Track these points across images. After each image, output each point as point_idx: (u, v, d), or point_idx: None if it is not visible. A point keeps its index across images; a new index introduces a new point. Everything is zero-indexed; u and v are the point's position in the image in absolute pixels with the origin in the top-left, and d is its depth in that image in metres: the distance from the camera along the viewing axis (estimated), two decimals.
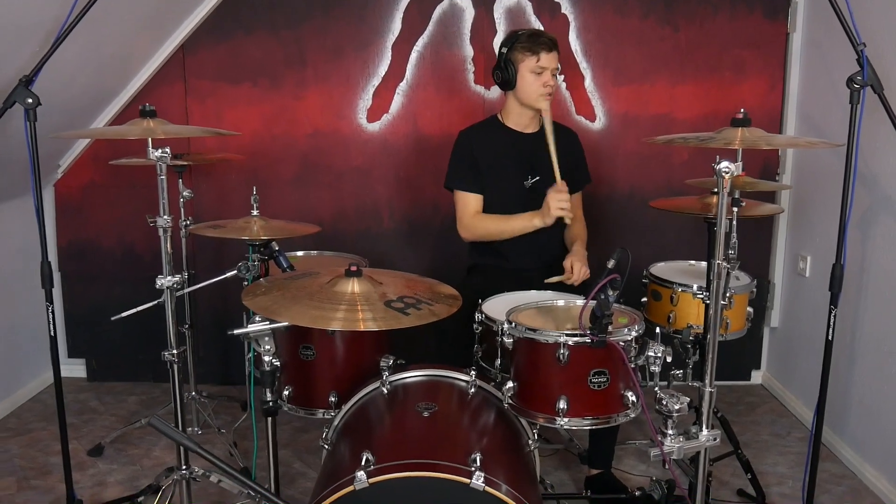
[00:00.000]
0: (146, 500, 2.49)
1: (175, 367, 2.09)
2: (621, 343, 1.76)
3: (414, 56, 3.36)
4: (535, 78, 2.54)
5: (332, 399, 2.18)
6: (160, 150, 1.95)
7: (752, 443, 3.01)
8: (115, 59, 3.05)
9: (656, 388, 1.81)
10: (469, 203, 2.66)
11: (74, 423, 3.16)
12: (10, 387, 3.35)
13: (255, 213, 2.31)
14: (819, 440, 2.29)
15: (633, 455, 2.91)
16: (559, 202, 2.42)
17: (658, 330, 1.85)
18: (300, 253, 2.88)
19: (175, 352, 2.09)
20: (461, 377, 2.04)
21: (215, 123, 3.38)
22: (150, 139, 1.94)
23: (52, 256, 3.57)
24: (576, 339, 1.74)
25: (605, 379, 1.77)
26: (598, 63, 3.35)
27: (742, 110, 1.72)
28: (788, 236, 3.45)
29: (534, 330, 1.82)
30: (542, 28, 3.29)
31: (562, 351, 1.74)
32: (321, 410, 2.20)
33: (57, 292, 3.62)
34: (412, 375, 2.06)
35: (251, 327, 1.83)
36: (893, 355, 2.58)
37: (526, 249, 2.65)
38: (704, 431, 1.82)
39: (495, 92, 3.36)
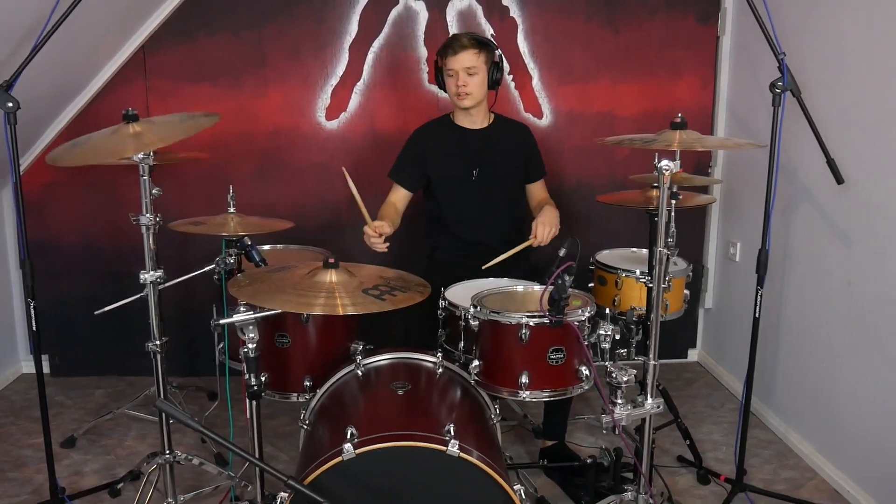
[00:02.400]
0: (126, 487, 2.60)
1: (159, 357, 2.20)
2: (576, 323, 1.97)
3: (370, 57, 3.50)
4: (450, 80, 2.74)
5: (307, 383, 2.33)
6: (142, 154, 2.06)
7: (689, 414, 3.28)
8: (81, 59, 3.11)
9: (606, 363, 2.02)
10: (394, 193, 2.89)
11: None
12: None
13: (231, 210, 2.43)
14: (748, 409, 2.56)
15: (583, 429, 3.14)
16: (368, 239, 2.61)
17: (608, 311, 2.06)
18: (267, 247, 3.01)
19: (158, 343, 2.20)
20: (428, 359, 2.22)
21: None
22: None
23: (12, 252, 3.61)
24: (536, 319, 1.94)
25: (562, 356, 1.97)
26: (545, 63, 3.55)
27: (680, 115, 1.94)
28: (720, 225, 3.73)
29: (497, 312, 2.01)
30: (491, 31, 3.48)
31: (524, 331, 1.94)
32: (296, 394, 2.36)
33: (18, 288, 3.66)
34: (383, 359, 2.24)
35: (237, 317, 1.96)
36: (813, 330, 2.87)
37: (475, 229, 2.86)
38: (649, 400, 2.04)
39: None
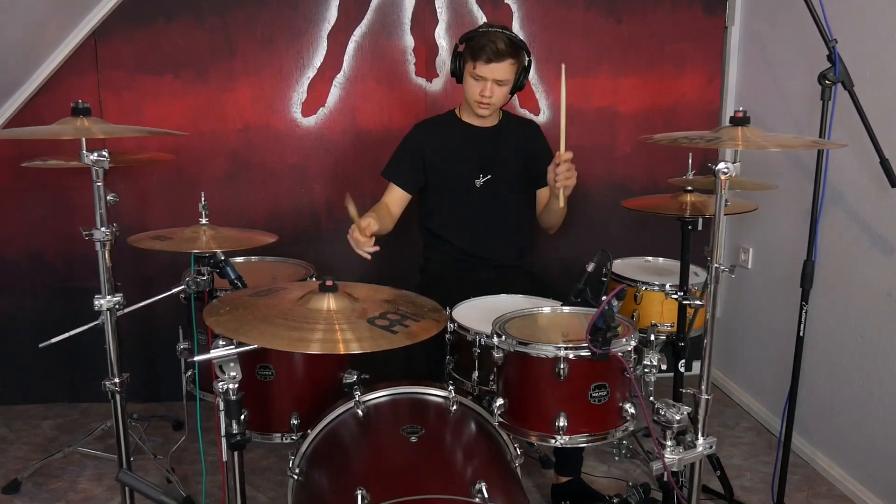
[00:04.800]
0: None
1: (118, 398, 1.85)
2: (621, 354, 1.68)
3: (351, 46, 3.17)
4: (473, 83, 2.41)
5: (294, 422, 2.03)
6: (96, 154, 1.71)
7: None
8: (19, 48, 2.72)
9: (652, 399, 1.74)
10: (389, 193, 2.57)
11: None
12: None
13: (203, 221, 2.08)
14: (789, 444, 2.30)
15: (593, 456, 2.86)
16: (359, 242, 2.17)
17: (653, 337, 1.77)
18: (240, 259, 2.68)
19: (117, 380, 1.85)
20: (438, 393, 1.91)
21: (134, 119, 3.08)
22: (83, 140, 1.69)
23: None
24: (576, 352, 1.64)
25: (605, 393, 1.68)
26: (542, 55, 3.26)
27: (742, 109, 1.66)
28: (729, 229, 3.49)
29: (527, 343, 1.70)
30: (484, 18, 3.18)
31: (561, 366, 1.63)
32: (279, 434, 2.05)
33: None
34: (385, 395, 1.92)
35: (216, 352, 1.63)
36: (847, 345, 2.62)
37: (478, 241, 2.55)
38: (700, 440, 1.76)
39: (437, 84, 3.23)
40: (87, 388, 3.25)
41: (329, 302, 1.65)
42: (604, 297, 1.53)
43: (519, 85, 2.46)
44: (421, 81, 3.23)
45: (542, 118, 3.33)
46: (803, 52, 2.80)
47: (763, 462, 2.82)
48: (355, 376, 2.10)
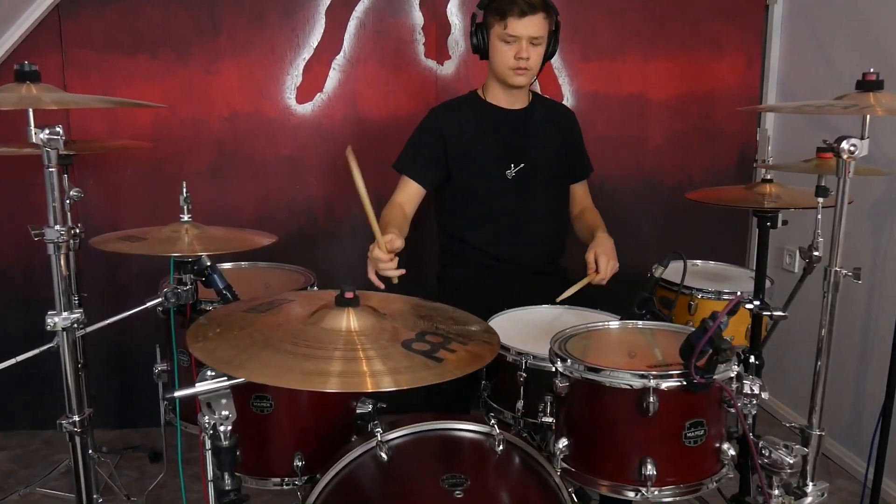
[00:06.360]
0: None
1: (77, 440, 1.46)
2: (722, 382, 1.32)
3: (353, 24, 2.81)
4: (506, 48, 2.07)
5: (298, 463, 1.66)
6: (47, 130, 1.33)
7: None
8: None
9: (756, 437, 1.39)
10: (402, 190, 2.20)
11: None
12: None
13: (186, 217, 1.70)
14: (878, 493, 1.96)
15: None
16: (377, 264, 1.79)
17: (752, 359, 1.42)
18: (227, 265, 2.29)
19: (77, 418, 1.46)
20: (477, 429, 1.54)
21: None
22: (30, 112, 1.31)
23: None
24: (670, 382, 1.28)
25: (702, 432, 1.32)
26: (566, 35, 2.88)
27: (873, 70, 1.32)
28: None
29: (599, 370, 1.34)
30: None
31: (650, 399, 1.27)
32: (278, 479, 1.67)
33: None
34: (414, 432, 1.54)
35: (202, 386, 1.25)
36: None
37: (507, 243, 2.20)
38: (811, 487, 1.41)
39: (449, 67, 2.88)
40: (50, 413, 2.82)
41: (350, 319, 1.28)
42: (721, 314, 1.17)
43: (551, 52, 2.15)
44: (431, 64, 2.88)
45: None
46: (863, 33, 2.48)
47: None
48: (370, 406, 1.74)
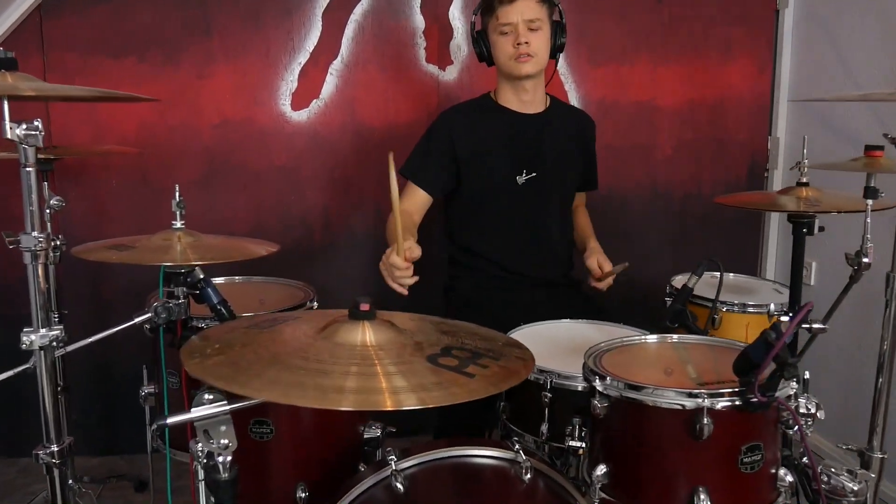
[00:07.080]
0: None
1: (55, 472, 1.30)
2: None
3: (351, 27, 2.69)
4: (504, 39, 1.99)
5: (301, 494, 1.52)
6: (25, 125, 1.18)
7: None
8: None
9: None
10: (409, 197, 2.07)
11: None
12: None
13: (178, 224, 1.55)
14: None
15: None
16: (393, 271, 1.67)
17: (806, 375, 1.29)
18: (220, 280, 2.14)
19: (55, 448, 1.30)
20: (500, 455, 1.39)
21: (87, 111, 2.56)
22: (6, 105, 1.17)
23: None
24: (725, 401, 1.14)
25: (759, 457, 1.18)
26: (573, 38, 2.75)
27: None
28: (782, 238, 3.04)
29: (641, 388, 1.20)
30: None
31: (704, 421, 1.13)
32: None
33: None
34: (430, 459, 1.39)
35: (198, 411, 1.10)
36: None
37: (518, 255, 2.08)
38: None
39: (452, 72, 2.77)
40: (27, 440, 2.65)
41: (365, 333, 1.13)
42: (794, 320, 1.04)
43: (558, 45, 2.07)
44: (432, 69, 2.76)
45: None
46: (883, 35, 2.38)
47: None
48: (379, 431, 1.61)
